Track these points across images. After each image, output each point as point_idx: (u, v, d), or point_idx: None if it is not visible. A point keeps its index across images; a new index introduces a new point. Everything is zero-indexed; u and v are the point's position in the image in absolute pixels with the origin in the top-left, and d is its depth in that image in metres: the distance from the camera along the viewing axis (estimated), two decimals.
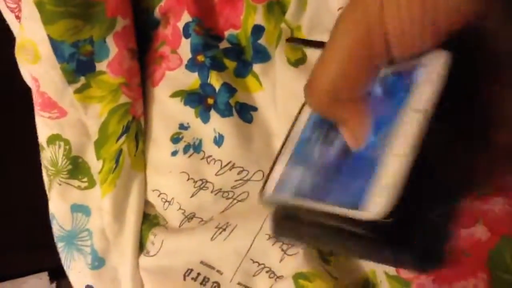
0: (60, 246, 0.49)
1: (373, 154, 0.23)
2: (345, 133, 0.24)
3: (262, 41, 0.43)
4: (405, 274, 0.32)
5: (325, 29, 0.38)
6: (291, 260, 0.37)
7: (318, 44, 0.38)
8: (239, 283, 0.40)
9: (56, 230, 0.49)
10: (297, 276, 0.37)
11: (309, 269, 0.36)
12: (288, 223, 0.31)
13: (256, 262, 0.40)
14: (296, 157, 0.31)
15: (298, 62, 0.40)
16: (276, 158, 0.32)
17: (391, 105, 0.23)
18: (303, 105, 0.32)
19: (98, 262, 0.47)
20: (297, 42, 0.40)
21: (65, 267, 0.50)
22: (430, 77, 0.21)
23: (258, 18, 0.43)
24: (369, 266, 0.34)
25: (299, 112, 0.32)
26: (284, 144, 0.32)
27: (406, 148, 0.20)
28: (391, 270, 0.32)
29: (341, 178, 0.25)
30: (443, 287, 0.30)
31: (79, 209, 0.48)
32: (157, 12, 0.47)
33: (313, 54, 0.39)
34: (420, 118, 0.20)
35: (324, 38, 0.38)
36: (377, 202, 0.20)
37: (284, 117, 0.40)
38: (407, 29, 0.20)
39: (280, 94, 0.40)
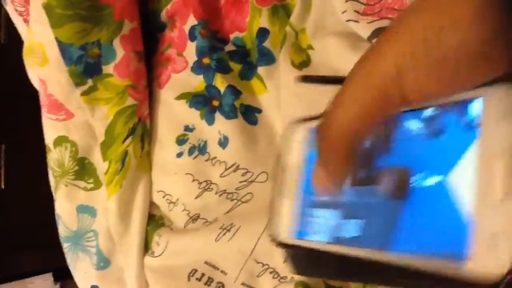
0: (65, 246, 0.50)
1: (449, 196, 0.22)
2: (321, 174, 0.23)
3: (267, 43, 0.43)
4: None
5: (329, 32, 0.38)
6: None
7: (335, 81, 0.36)
8: (243, 283, 0.40)
9: (62, 231, 0.50)
10: (298, 284, 0.37)
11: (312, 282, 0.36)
12: (312, 263, 0.30)
13: (260, 262, 0.40)
14: (310, 198, 0.29)
15: (302, 64, 0.40)
16: (275, 196, 0.31)
17: (450, 143, 0.22)
18: (284, 137, 0.31)
19: (103, 263, 0.47)
20: (312, 81, 0.39)
21: (70, 268, 0.50)
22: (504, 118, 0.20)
23: (263, 21, 0.43)
24: None
25: (283, 144, 0.31)
26: (278, 177, 0.31)
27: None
28: None
29: (408, 224, 0.23)
30: None
31: (85, 210, 0.49)
32: (163, 15, 0.48)
33: (317, 57, 0.40)
34: None
35: (328, 41, 0.39)
36: (494, 258, 0.19)
37: (288, 119, 0.40)
38: (426, 88, 0.20)
39: (284, 96, 0.40)
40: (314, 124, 0.29)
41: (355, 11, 0.36)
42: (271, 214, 0.30)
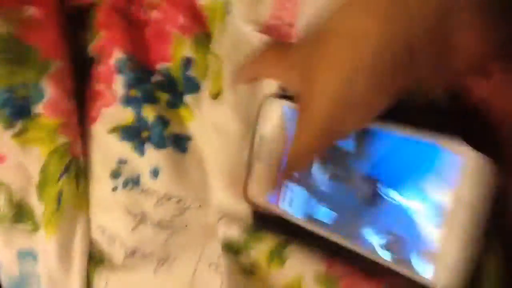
0: None
1: (415, 219, 0.27)
2: None
3: (192, 72, 0.43)
4: (335, 270, 0.33)
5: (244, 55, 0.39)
6: None
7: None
8: None
9: (3, 278, 0.48)
10: None
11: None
12: (270, 225, 0.35)
13: None
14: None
15: (217, 95, 0.41)
16: (252, 160, 0.35)
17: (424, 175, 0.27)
18: (263, 107, 0.35)
19: None
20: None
21: None
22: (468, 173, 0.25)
23: (187, 50, 0.44)
24: (296, 272, 0.35)
25: (262, 113, 0.35)
26: (254, 142, 0.35)
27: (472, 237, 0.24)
28: (321, 269, 0.33)
29: (378, 227, 0.28)
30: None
31: (26, 254, 0.47)
32: (91, 51, 0.48)
33: (228, 90, 0.40)
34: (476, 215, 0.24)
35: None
36: (446, 279, 0.25)
37: (209, 148, 0.40)
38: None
39: (206, 125, 0.41)
40: (289, 104, 0.35)
41: None
42: (247, 176, 0.36)
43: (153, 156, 0.42)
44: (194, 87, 0.43)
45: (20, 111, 0.44)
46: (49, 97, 0.44)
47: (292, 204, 0.33)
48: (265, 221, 0.36)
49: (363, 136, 0.30)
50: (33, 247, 0.47)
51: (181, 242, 0.41)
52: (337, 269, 0.32)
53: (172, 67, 0.45)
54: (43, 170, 0.45)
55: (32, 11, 0.45)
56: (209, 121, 0.40)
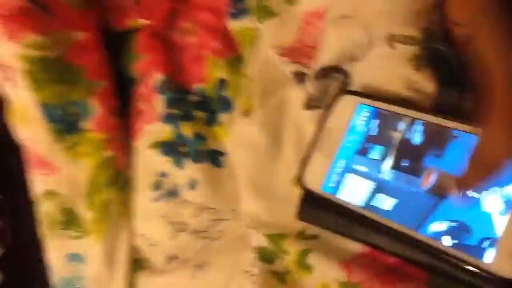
0: None
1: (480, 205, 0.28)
2: None
3: (225, 92, 0.47)
4: (355, 277, 0.35)
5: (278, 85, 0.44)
6: None
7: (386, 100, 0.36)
8: None
9: (54, 279, 0.53)
10: None
11: None
12: (323, 215, 0.36)
13: None
14: (349, 164, 0.35)
15: (248, 112, 0.44)
16: (313, 150, 0.37)
17: None
18: (336, 98, 0.36)
19: None
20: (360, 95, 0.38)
21: None
22: None
23: (221, 72, 0.47)
24: (321, 279, 0.37)
25: (332, 108, 0.36)
26: (319, 134, 0.36)
27: None
28: (343, 276, 0.36)
29: (440, 217, 0.29)
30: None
31: (74, 257, 0.52)
32: (134, 72, 0.52)
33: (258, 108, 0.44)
34: None
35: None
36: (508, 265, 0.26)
37: (240, 161, 0.44)
38: None
39: (237, 141, 0.44)
40: (363, 101, 0.35)
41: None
42: (304, 164, 0.37)
43: (191, 169, 0.46)
44: (228, 106, 0.47)
45: (71, 127, 0.49)
46: (96, 114, 0.49)
47: (349, 191, 0.34)
48: (316, 209, 0.37)
49: (431, 129, 0.32)
50: (81, 252, 0.52)
51: (216, 249, 0.45)
52: (357, 275, 0.35)
53: (208, 87, 0.48)
54: (92, 181, 0.49)
55: (79, 35, 0.49)
56: (240, 137, 0.44)
